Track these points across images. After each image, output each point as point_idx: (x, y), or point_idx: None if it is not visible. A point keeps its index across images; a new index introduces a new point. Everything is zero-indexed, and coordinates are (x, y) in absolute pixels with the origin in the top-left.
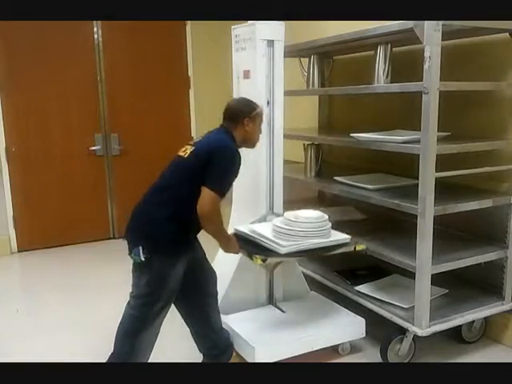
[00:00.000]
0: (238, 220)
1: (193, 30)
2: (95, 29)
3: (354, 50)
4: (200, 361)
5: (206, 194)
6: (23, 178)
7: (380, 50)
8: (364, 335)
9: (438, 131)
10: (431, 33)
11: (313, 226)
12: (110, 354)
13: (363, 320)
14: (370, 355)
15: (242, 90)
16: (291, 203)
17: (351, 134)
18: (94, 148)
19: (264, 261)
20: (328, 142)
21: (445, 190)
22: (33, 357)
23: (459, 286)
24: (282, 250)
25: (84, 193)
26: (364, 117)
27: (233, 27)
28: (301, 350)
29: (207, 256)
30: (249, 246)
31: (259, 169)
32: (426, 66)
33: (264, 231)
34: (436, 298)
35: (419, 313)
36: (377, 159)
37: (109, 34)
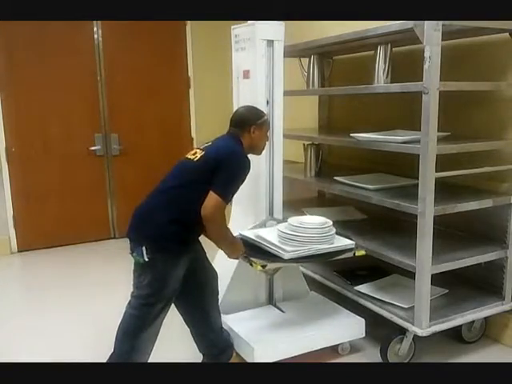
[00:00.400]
0: (237, 224)
1: (193, 29)
2: (95, 29)
3: (354, 50)
4: (200, 361)
5: (211, 198)
6: (23, 178)
7: (380, 50)
8: (364, 335)
9: (437, 131)
10: (431, 33)
11: (317, 232)
12: (110, 353)
13: (363, 320)
14: (370, 355)
15: (242, 90)
16: (291, 203)
17: (351, 134)
18: (93, 148)
19: (264, 267)
20: (328, 142)
21: (445, 190)
22: (33, 357)
23: (459, 286)
24: (286, 256)
25: (84, 193)
26: (364, 117)
27: (233, 27)
28: (300, 350)
29: (207, 256)
30: (253, 250)
31: (259, 170)
32: (425, 66)
33: (269, 236)
34: (436, 298)
35: (419, 313)
36: (376, 159)
37: (109, 34)
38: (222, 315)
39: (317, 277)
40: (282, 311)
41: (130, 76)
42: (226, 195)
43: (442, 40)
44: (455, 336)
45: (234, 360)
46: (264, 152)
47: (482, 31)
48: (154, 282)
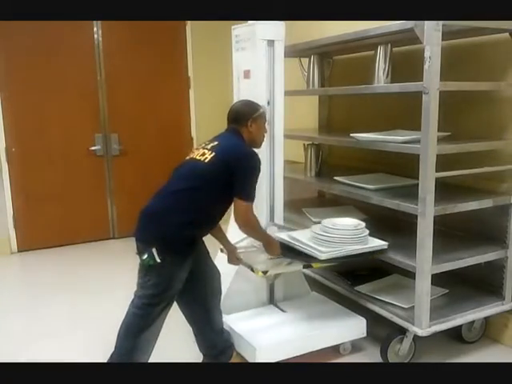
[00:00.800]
0: (237, 230)
1: (193, 29)
2: (95, 29)
3: (354, 50)
4: (200, 361)
5: (239, 205)
6: (23, 178)
7: (380, 50)
8: (365, 335)
9: (437, 131)
10: (431, 33)
11: (350, 234)
12: (111, 352)
13: (364, 320)
14: (371, 355)
15: (242, 90)
16: (291, 203)
17: (351, 134)
18: (93, 148)
19: (265, 273)
20: (328, 142)
21: (444, 190)
22: (33, 357)
23: (459, 286)
24: (322, 256)
25: (84, 193)
26: (364, 117)
27: (233, 27)
28: (302, 350)
29: (210, 255)
30: (289, 251)
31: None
32: (426, 66)
33: (303, 238)
34: (436, 298)
35: (419, 313)
36: (376, 159)
37: (109, 34)
38: (223, 315)
39: (317, 277)
40: (284, 311)
41: (130, 76)
42: (251, 197)
43: (442, 40)
44: (455, 336)
45: (234, 360)
46: (265, 153)
47: (482, 31)
48: (160, 282)
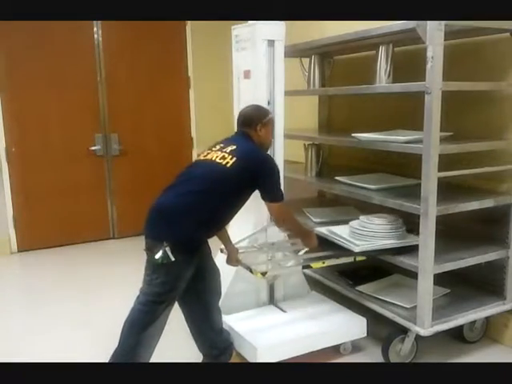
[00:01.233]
0: (238, 230)
1: (193, 30)
2: (95, 29)
3: (355, 50)
4: (200, 361)
5: (272, 208)
6: (23, 178)
7: (381, 50)
8: (366, 335)
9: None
10: (433, 33)
11: (385, 228)
12: (112, 352)
13: (365, 319)
14: (372, 355)
15: (242, 90)
16: (292, 203)
17: (353, 134)
18: (93, 148)
19: (264, 274)
20: (329, 142)
21: (445, 189)
22: (33, 357)
23: (460, 286)
24: (356, 249)
25: (84, 193)
26: (365, 117)
27: (233, 27)
28: (302, 350)
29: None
30: (325, 245)
31: None
32: (428, 66)
33: (341, 232)
34: (438, 298)
35: (421, 312)
36: (377, 159)
37: (109, 34)
38: (223, 315)
39: (318, 277)
40: (284, 311)
41: (130, 76)
42: (280, 197)
43: (444, 40)
44: (457, 336)
45: (234, 360)
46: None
47: (483, 31)
48: (168, 281)
